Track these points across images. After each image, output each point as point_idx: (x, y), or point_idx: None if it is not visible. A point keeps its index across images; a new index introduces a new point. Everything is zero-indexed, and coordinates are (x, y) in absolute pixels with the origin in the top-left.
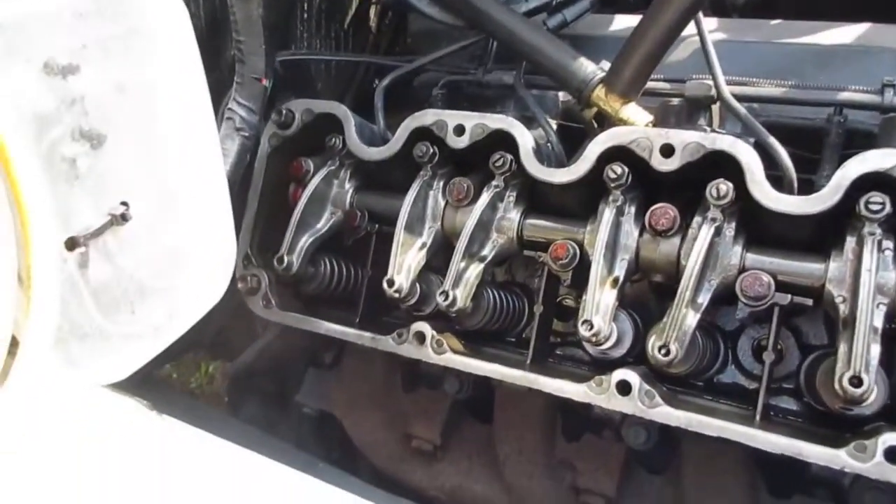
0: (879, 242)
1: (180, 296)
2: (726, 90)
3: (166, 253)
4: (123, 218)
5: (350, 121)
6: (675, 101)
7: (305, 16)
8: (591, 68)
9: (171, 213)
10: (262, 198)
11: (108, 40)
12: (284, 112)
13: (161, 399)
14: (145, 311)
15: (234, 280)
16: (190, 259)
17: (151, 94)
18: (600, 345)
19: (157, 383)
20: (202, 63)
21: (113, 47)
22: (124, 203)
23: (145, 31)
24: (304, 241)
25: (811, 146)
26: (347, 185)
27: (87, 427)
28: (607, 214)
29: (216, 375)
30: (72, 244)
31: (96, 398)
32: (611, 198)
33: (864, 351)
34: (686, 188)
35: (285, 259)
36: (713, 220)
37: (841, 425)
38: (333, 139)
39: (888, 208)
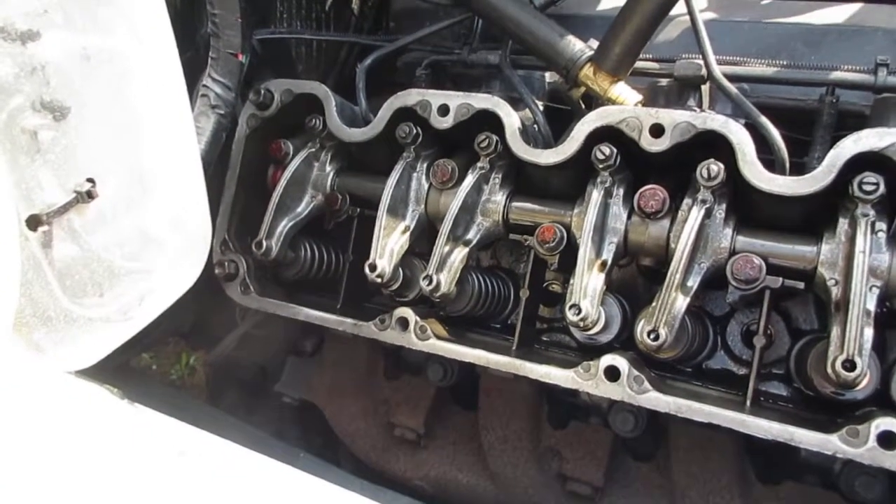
0: (873, 224)
1: (152, 279)
2: (717, 70)
3: (137, 233)
4: (90, 195)
5: (331, 101)
6: (665, 81)
7: None
8: (578, 46)
9: (141, 192)
10: (240, 180)
11: (71, 5)
12: (263, 92)
13: (135, 388)
14: (114, 295)
15: (211, 265)
16: (162, 241)
17: (119, 65)
18: (588, 329)
19: (132, 372)
20: (177, 40)
21: (77, 13)
22: (90, 180)
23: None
24: (284, 225)
25: (802, 128)
26: (328, 168)
27: (51, 416)
28: (595, 196)
29: (197, 367)
30: (34, 222)
31: (61, 385)
32: (599, 179)
33: (858, 334)
34: (676, 169)
35: (264, 244)
36: (703, 201)
37: (832, 410)
38: (314, 120)
39: (882, 189)
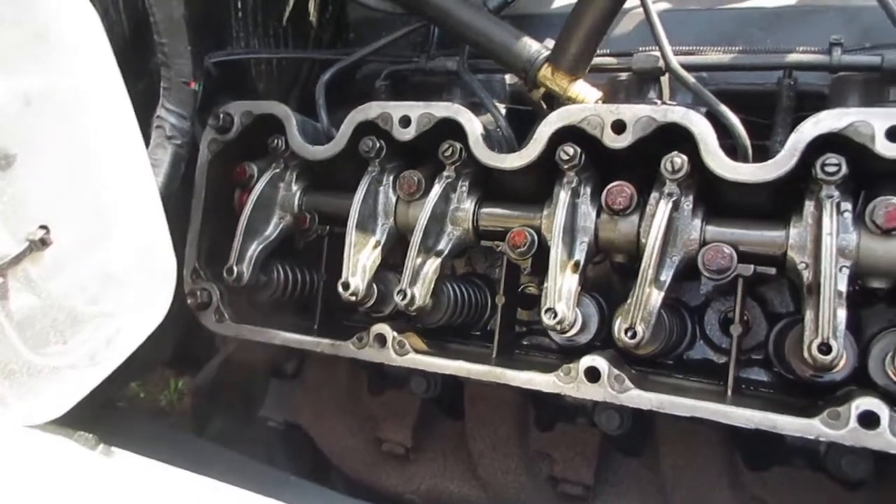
0: (838, 205)
1: (118, 320)
2: (674, 60)
3: (98, 275)
4: (43, 243)
5: (291, 120)
6: (624, 75)
7: (240, 14)
8: (535, 47)
9: (100, 233)
10: (206, 207)
11: (8, 49)
12: (222, 116)
13: (115, 428)
14: (79, 340)
15: (184, 294)
16: (125, 280)
17: (64, 105)
18: (565, 332)
19: (114, 410)
20: (129, 69)
21: (14, 56)
22: (44, 226)
23: (51, 38)
24: (254, 248)
25: (763, 111)
26: (294, 187)
27: (19, 472)
28: (563, 197)
29: (185, 391)
30: None
31: (27, 439)
32: (565, 180)
33: (831, 317)
34: (641, 163)
35: (235, 269)
36: (670, 194)
37: (813, 393)
38: (276, 140)
39: (844, 169)
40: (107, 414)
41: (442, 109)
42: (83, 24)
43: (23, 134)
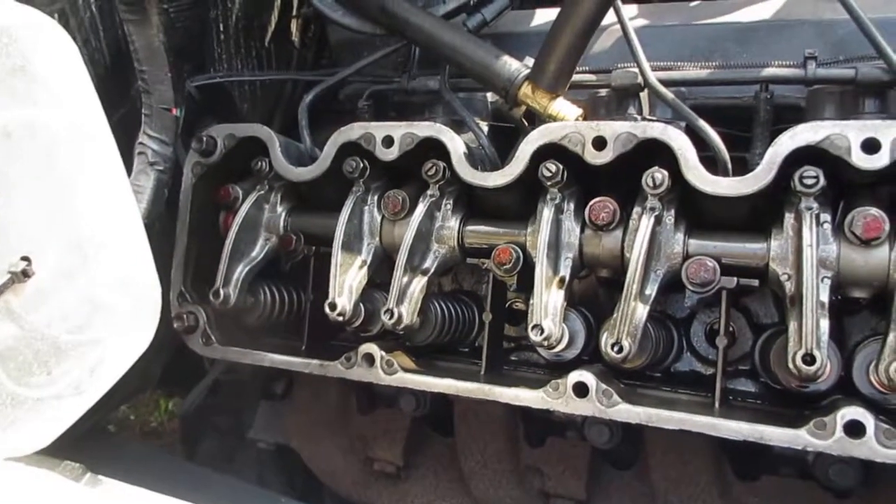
0: (817, 216)
1: (102, 348)
2: (652, 76)
3: (81, 304)
4: (25, 274)
5: (274, 142)
6: (603, 91)
7: (222, 36)
8: (515, 66)
9: (82, 262)
10: (191, 230)
11: None
12: (205, 139)
13: (104, 455)
14: (63, 370)
15: (170, 317)
16: (109, 308)
17: (44, 136)
18: (553, 348)
19: (102, 435)
20: (111, 96)
21: None
22: (25, 258)
23: (29, 70)
24: (240, 270)
25: (742, 124)
26: (279, 209)
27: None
28: (546, 213)
29: (176, 411)
30: None
31: (10, 473)
32: (548, 196)
33: (814, 327)
34: (623, 178)
35: (221, 292)
36: (652, 209)
37: (800, 402)
38: (259, 162)
39: (822, 181)
40: (95, 439)
41: (424, 129)
42: (62, 56)
43: (3, 166)
